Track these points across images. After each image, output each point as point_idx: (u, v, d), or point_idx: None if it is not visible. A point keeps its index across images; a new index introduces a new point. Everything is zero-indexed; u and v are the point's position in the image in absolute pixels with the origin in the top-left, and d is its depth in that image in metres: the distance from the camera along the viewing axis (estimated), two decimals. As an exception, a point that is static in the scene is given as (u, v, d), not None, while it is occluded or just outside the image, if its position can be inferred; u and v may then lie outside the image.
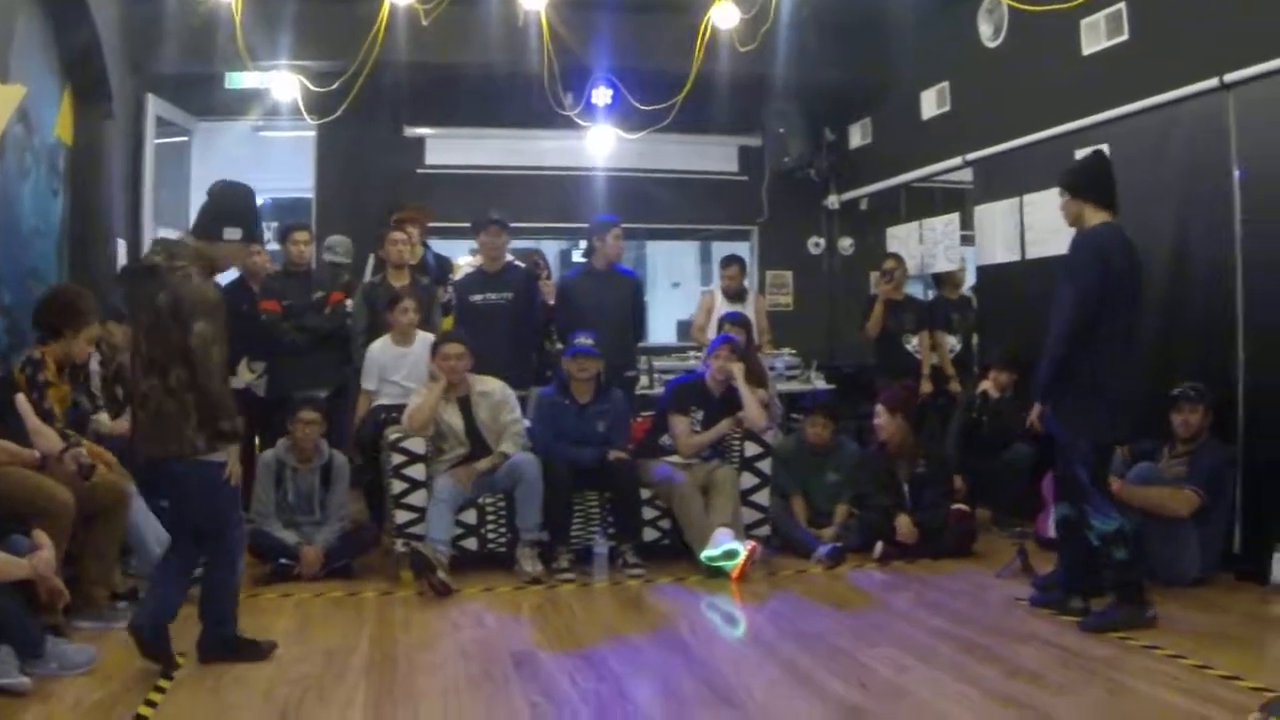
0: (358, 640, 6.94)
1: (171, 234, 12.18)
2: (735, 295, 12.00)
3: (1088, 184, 7.17)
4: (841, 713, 5.58)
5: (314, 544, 8.53)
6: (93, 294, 8.00)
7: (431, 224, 11.66)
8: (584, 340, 9.15)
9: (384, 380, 9.59)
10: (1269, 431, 7.88)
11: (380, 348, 9.61)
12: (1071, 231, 9.39)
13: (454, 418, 8.94)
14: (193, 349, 5.92)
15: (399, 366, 9.55)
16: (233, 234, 6.24)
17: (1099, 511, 6.91)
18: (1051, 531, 9.06)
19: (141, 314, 6.19)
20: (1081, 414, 6.94)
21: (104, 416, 8.34)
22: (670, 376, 11.21)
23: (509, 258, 10.49)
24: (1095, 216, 7.07)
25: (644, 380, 11.63)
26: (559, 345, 10.13)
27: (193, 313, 5.96)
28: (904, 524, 9.09)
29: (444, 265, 11.44)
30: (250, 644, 6.44)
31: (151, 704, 5.66)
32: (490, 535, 8.92)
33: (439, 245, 11.74)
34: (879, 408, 9.54)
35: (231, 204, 6.34)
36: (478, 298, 10.15)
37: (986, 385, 10.34)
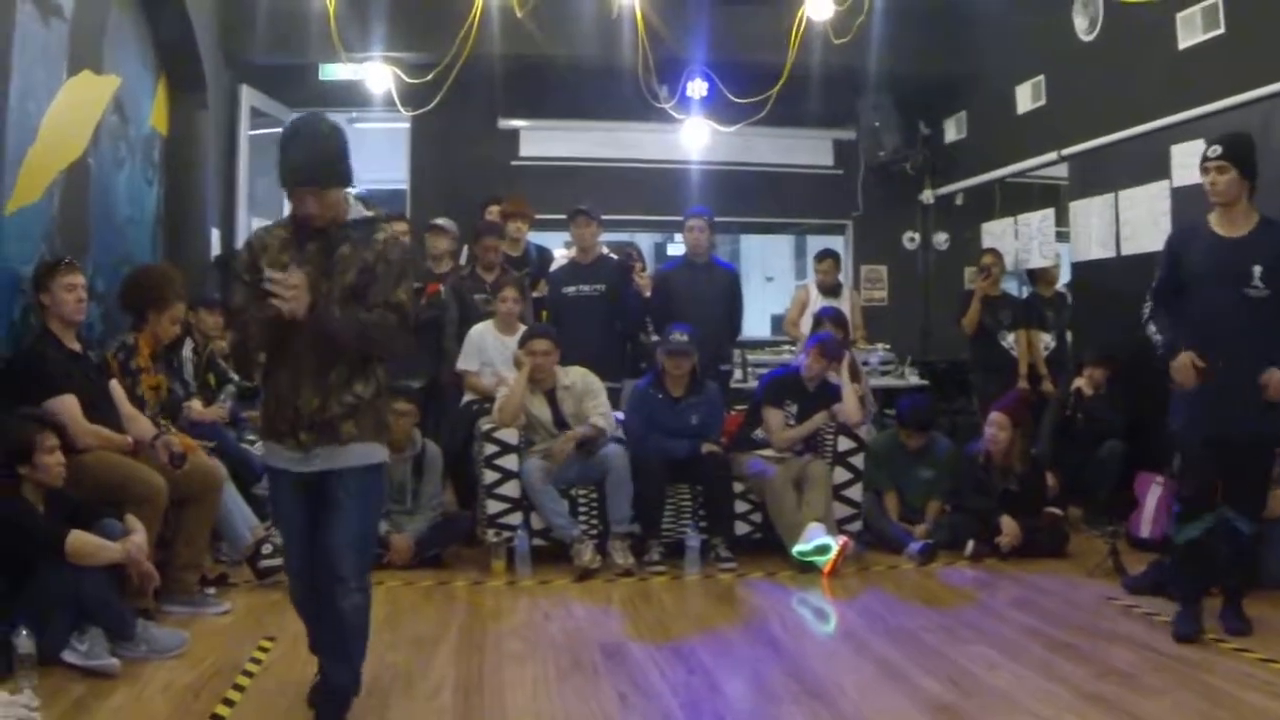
0: (447, 629, 7.03)
1: (265, 224, 12.39)
2: (830, 290, 12.04)
3: (1252, 167, 6.65)
4: (932, 710, 5.59)
5: (405, 533, 8.61)
6: (177, 273, 8.09)
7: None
8: (679, 336, 9.19)
9: (488, 367, 9.64)
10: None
11: (483, 330, 9.67)
12: (1164, 226, 9.40)
13: (542, 410, 9.03)
14: None
15: (503, 354, 9.56)
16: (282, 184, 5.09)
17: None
18: (1144, 531, 9.06)
19: None
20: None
21: (196, 403, 8.48)
22: (764, 370, 11.16)
23: (603, 250, 10.57)
24: (1250, 208, 6.70)
25: (738, 374, 11.61)
26: (654, 337, 10.15)
27: None
28: (1009, 525, 8.99)
29: (545, 257, 11.49)
30: None
31: (240, 688, 5.77)
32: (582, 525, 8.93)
33: (533, 237, 11.78)
34: (999, 417, 9.34)
35: (279, 149, 5.08)
36: (570, 289, 10.23)
37: (1080, 382, 10.27)
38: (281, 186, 5.06)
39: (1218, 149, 6.63)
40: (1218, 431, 6.64)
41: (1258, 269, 6.52)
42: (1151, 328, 6.83)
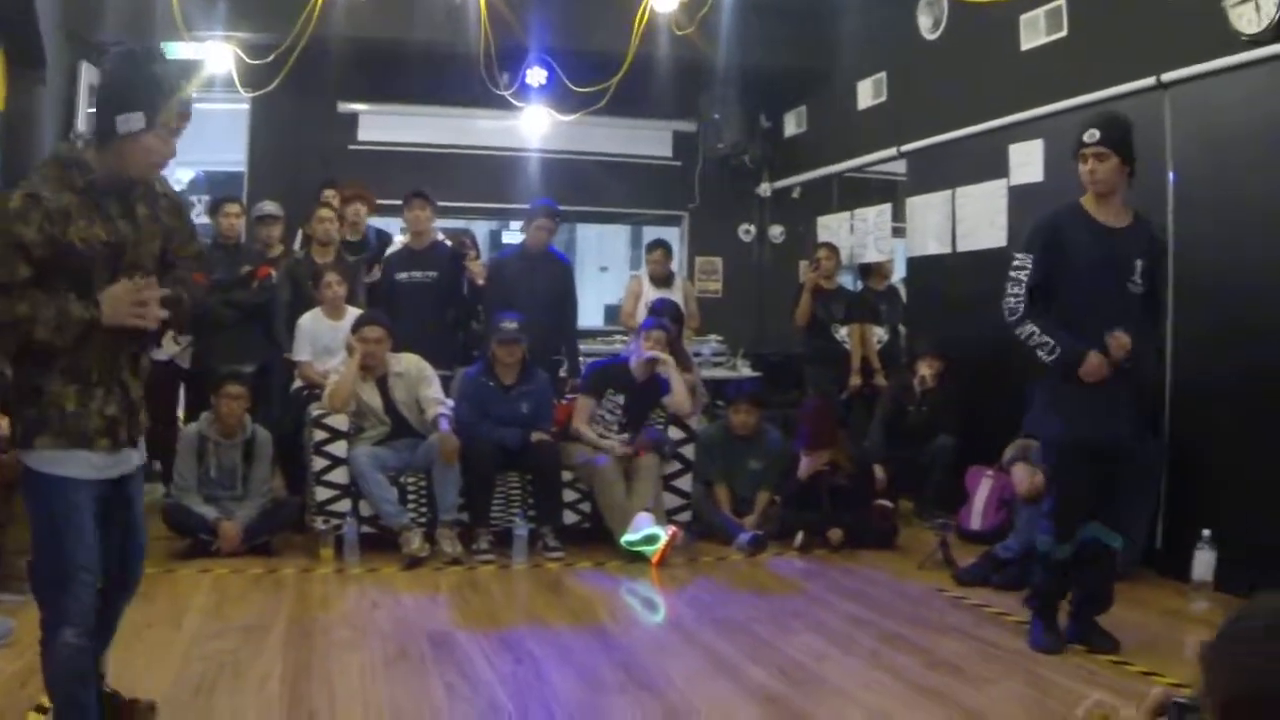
0: (275, 617, 6.86)
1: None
2: (662, 280, 12.00)
3: (1132, 153, 6.20)
4: (760, 700, 5.55)
5: (234, 519, 8.44)
6: None
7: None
8: (509, 324, 9.11)
9: (324, 354, 9.54)
10: (1194, 428, 7.91)
11: (312, 319, 9.54)
12: (1000, 224, 9.49)
13: (372, 397, 8.90)
14: None
15: (334, 340, 9.46)
16: (130, 122, 4.06)
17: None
18: (974, 524, 9.13)
19: None
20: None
21: None
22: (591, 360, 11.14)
23: (439, 236, 10.46)
24: (1125, 201, 6.32)
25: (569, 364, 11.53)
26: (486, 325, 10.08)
27: None
28: (835, 536, 9.06)
29: (384, 241, 11.35)
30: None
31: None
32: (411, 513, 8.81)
33: (373, 221, 11.64)
34: (808, 453, 9.28)
35: (126, 79, 4.16)
36: (403, 275, 10.09)
37: (925, 373, 10.26)
38: (152, 115, 4.06)
39: (1095, 134, 6.16)
40: (1096, 436, 6.22)
41: (1139, 263, 6.20)
42: (1029, 327, 6.26)
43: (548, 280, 10.25)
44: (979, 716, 5.36)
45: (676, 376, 9.39)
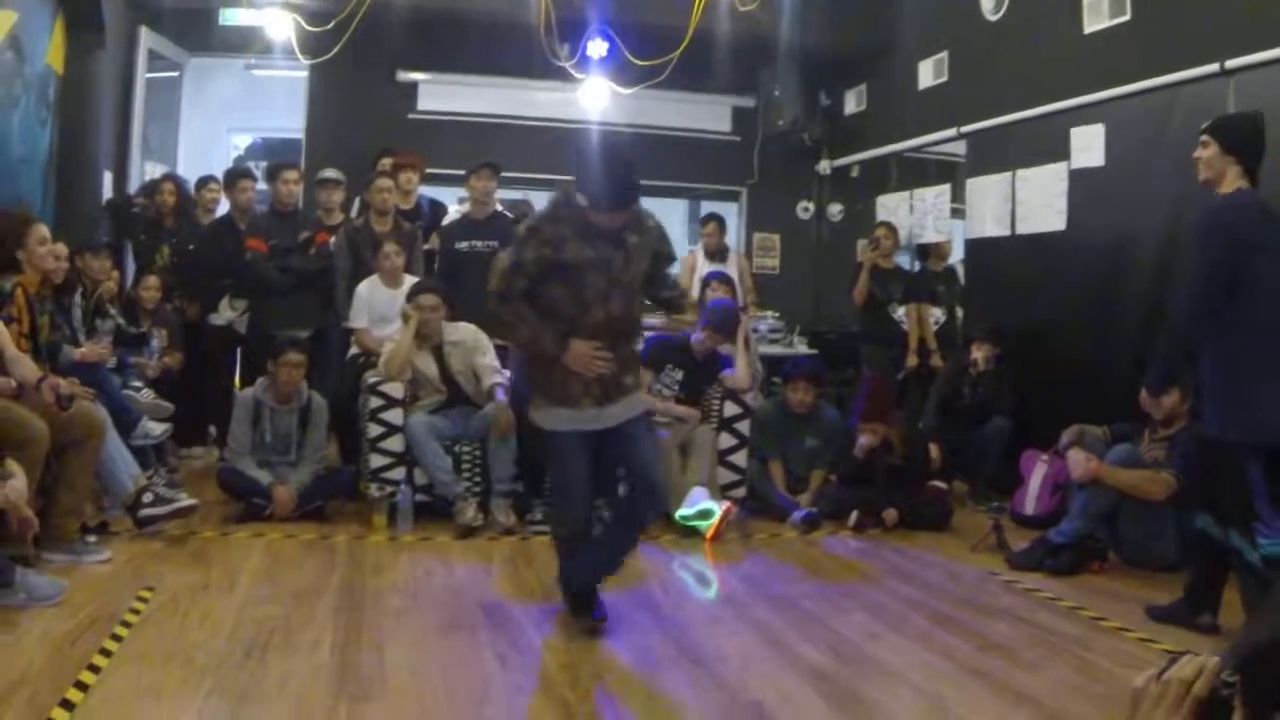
0: (327, 583, 6.90)
1: (159, 169, 12.11)
2: (716, 253, 12.02)
3: (1239, 142, 6.06)
4: (812, 677, 5.56)
5: (288, 484, 8.49)
6: (17, 209, 7.90)
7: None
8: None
9: (381, 321, 9.56)
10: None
11: (369, 287, 9.59)
12: (1059, 207, 9.43)
13: (428, 366, 8.91)
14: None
15: (391, 308, 9.45)
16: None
17: (1272, 529, 5.93)
18: (1028, 508, 9.09)
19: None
20: (1244, 409, 5.96)
21: (71, 349, 8.25)
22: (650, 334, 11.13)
23: (497, 206, 10.45)
24: (1234, 184, 6.06)
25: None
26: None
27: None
28: (890, 516, 9.05)
29: (438, 210, 11.38)
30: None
31: (117, 638, 5.59)
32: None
33: (428, 191, 11.66)
34: (868, 427, 9.19)
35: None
36: (463, 245, 10.08)
37: (979, 355, 10.19)
38: None
39: (1205, 124, 6.20)
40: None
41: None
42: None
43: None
44: (1029, 699, 5.35)
45: (741, 353, 9.44)
